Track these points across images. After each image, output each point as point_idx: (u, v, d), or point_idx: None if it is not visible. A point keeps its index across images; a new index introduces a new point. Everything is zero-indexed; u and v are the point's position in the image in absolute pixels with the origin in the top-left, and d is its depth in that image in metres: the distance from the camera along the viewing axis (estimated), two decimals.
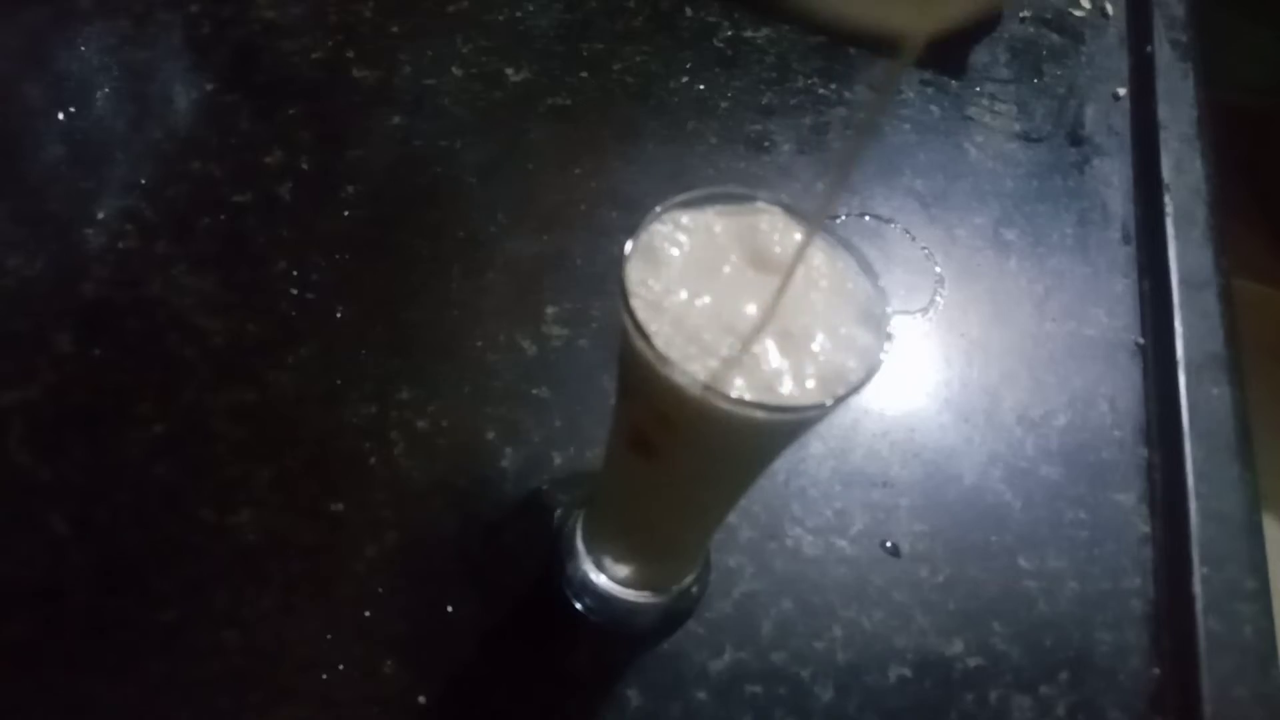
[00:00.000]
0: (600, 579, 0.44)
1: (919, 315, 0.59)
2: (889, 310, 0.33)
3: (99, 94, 0.58)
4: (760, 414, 0.30)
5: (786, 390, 0.30)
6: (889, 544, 0.49)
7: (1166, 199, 0.66)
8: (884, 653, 0.46)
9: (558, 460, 0.48)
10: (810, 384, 0.31)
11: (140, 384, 0.47)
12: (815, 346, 0.32)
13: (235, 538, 0.44)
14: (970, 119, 0.70)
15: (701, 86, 0.66)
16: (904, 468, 0.52)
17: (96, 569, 0.42)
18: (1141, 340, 0.60)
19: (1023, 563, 0.50)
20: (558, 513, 0.47)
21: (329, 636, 0.42)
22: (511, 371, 0.51)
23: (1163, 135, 0.70)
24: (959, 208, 0.64)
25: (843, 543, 0.49)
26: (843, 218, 0.62)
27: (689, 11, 0.71)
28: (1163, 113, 0.71)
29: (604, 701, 0.42)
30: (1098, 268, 0.63)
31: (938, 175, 0.66)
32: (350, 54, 0.63)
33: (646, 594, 0.44)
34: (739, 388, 0.30)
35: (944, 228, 0.63)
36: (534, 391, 0.50)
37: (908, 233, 0.62)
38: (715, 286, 0.32)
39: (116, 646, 0.40)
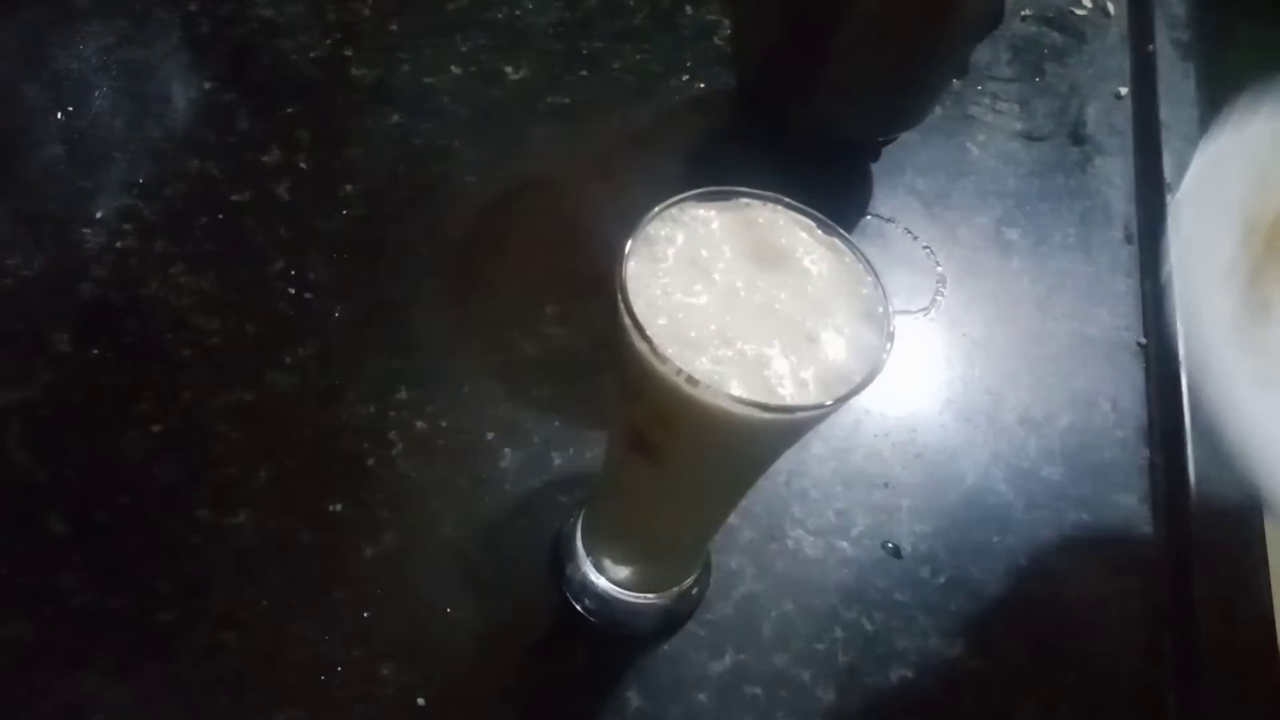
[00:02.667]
0: (600, 580, 0.44)
1: (920, 315, 0.59)
2: (890, 310, 0.33)
3: (97, 93, 0.58)
4: (760, 414, 0.29)
5: (786, 390, 0.30)
6: (890, 545, 0.49)
7: (1168, 198, 0.66)
8: (885, 654, 0.46)
9: (557, 461, 0.48)
10: (810, 384, 0.31)
11: (138, 384, 0.47)
12: (816, 346, 0.31)
13: (233, 538, 0.44)
14: (972, 118, 0.70)
15: (701, 85, 0.66)
16: (905, 469, 0.52)
17: (94, 569, 0.42)
18: (1144, 340, 0.60)
19: (1025, 564, 0.49)
20: (557, 514, 0.47)
21: (327, 638, 0.42)
22: (511, 371, 0.51)
23: (1165, 135, 0.69)
24: (961, 207, 0.64)
25: (844, 544, 0.48)
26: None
27: (689, 10, 0.70)
28: (1165, 112, 0.71)
29: (604, 703, 0.42)
30: (1100, 267, 0.63)
31: (939, 174, 0.66)
32: (349, 52, 0.62)
33: (647, 595, 0.44)
34: (738, 387, 0.30)
35: (946, 227, 0.63)
36: (534, 391, 0.50)
37: (909, 232, 0.62)
38: (714, 284, 0.32)
39: (114, 647, 0.40)
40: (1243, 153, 0.44)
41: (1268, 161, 0.44)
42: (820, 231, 0.34)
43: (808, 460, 0.51)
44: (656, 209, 0.33)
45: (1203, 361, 0.40)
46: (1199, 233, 0.43)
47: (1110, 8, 0.80)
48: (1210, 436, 0.54)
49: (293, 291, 0.52)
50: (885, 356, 0.31)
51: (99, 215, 0.52)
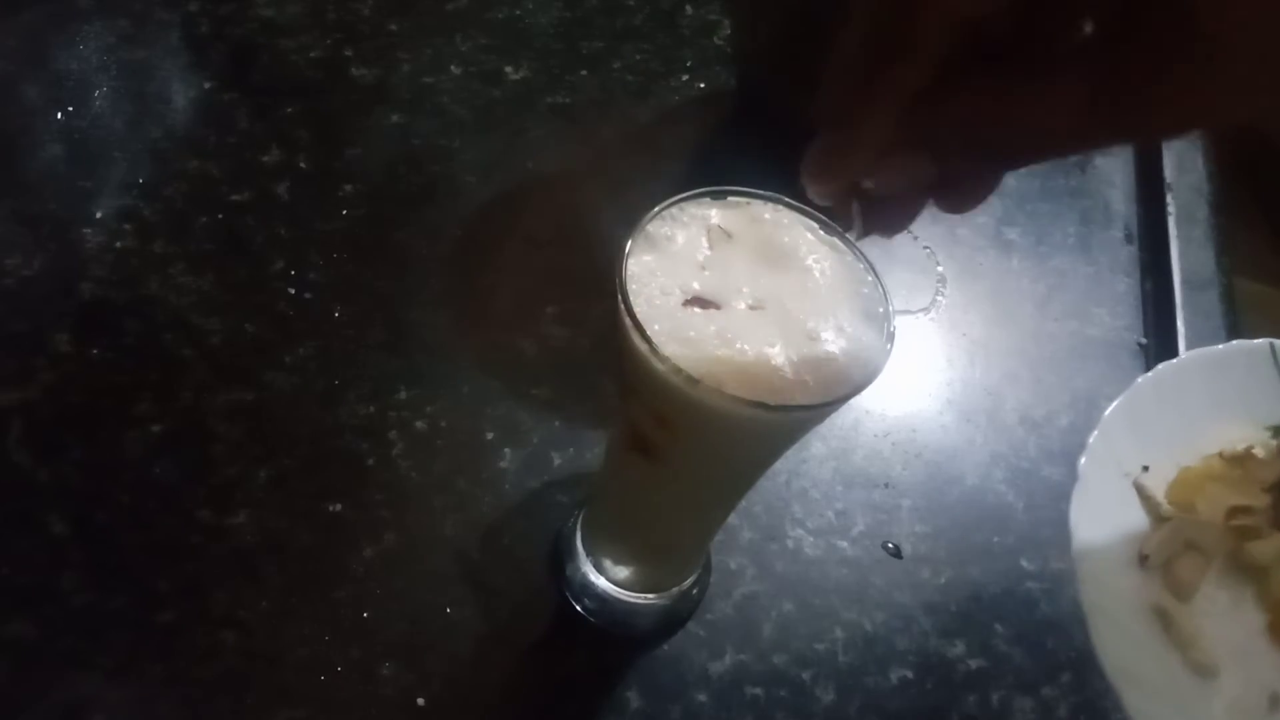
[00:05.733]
0: (600, 580, 0.44)
1: (921, 315, 0.59)
2: (890, 310, 0.33)
3: (97, 93, 0.58)
4: (760, 414, 0.29)
5: (786, 390, 0.30)
6: (890, 545, 0.49)
7: (1168, 198, 0.66)
8: (885, 654, 0.45)
9: (557, 461, 0.48)
10: (810, 384, 0.31)
11: (138, 384, 0.47)
12: (816, 345, 0.31)
13: (233, 538, 0.43)
14: None
15: (701, 85, 0.66)
16: (905, 469, 0.52)
17: (94, 569, 0.42)
18: (1144, 340, 0.60)
19: (1025, 564, 0.49)
20: (557, 514, 0.47)
21: (327, 638, 0.42)
22: (511, 371, 0.51)
23: None
24: None
25: (844, 544, 0.48)
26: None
27: (689, 10, 0.70)
28: None
29: (604, 704, 0.42)
30: (1100, 267, 0.63)
31: None
32: (349, 52, 0.62)
33: (647, 595, 0.44)
34: (738, 387, 0.30)
35: (946, 227, 0.63)
36: (534, 391, 0.50)
37: (909, 231, 0.62)
38: (715, 284, 0.32)
39: (114, 647, 0.40)
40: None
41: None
42: (821, 231, 0.34)
43: (808, 460, 0.51)
44: (656, 209, 0.33)
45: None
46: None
47: None
48: None
49: (292, 291, 0.52)
50: (885, 356, 0.31)
51: (99, 215, 0.52)
